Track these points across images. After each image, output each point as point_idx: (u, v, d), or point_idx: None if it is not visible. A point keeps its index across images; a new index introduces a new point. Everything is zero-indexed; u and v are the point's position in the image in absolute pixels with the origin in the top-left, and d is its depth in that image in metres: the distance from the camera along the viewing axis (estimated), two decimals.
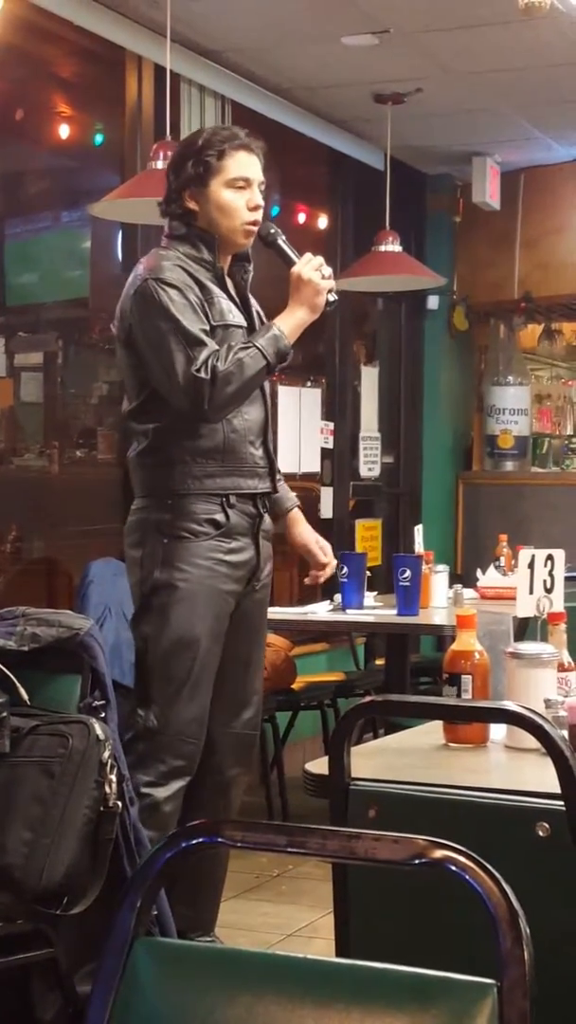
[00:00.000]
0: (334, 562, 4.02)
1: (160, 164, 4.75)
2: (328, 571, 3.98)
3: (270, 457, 3.67)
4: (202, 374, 3.41)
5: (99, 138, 6.16)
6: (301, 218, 7.32)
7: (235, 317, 3.60)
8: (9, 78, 5.59)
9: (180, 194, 3.62)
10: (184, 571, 3.55)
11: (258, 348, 3.47)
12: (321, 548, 3.94)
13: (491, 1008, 1.27)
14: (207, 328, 3.50)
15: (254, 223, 3.60)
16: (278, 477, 3.80)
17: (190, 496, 3.57)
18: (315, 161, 7.20)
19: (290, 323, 3.53)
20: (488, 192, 7.36)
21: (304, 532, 3.95)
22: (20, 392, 6.28)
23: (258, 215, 3.60)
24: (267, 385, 3.66)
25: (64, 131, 6.02)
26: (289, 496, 3.92)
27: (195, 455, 3.56)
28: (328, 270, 3.56)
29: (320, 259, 3.56)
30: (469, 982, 1.30)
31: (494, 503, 7.97)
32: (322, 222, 7.33)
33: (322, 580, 4.03)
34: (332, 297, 3.57)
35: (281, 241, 3.62)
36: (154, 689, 3.58)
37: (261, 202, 3.60)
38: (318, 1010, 1.34)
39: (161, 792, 3.51)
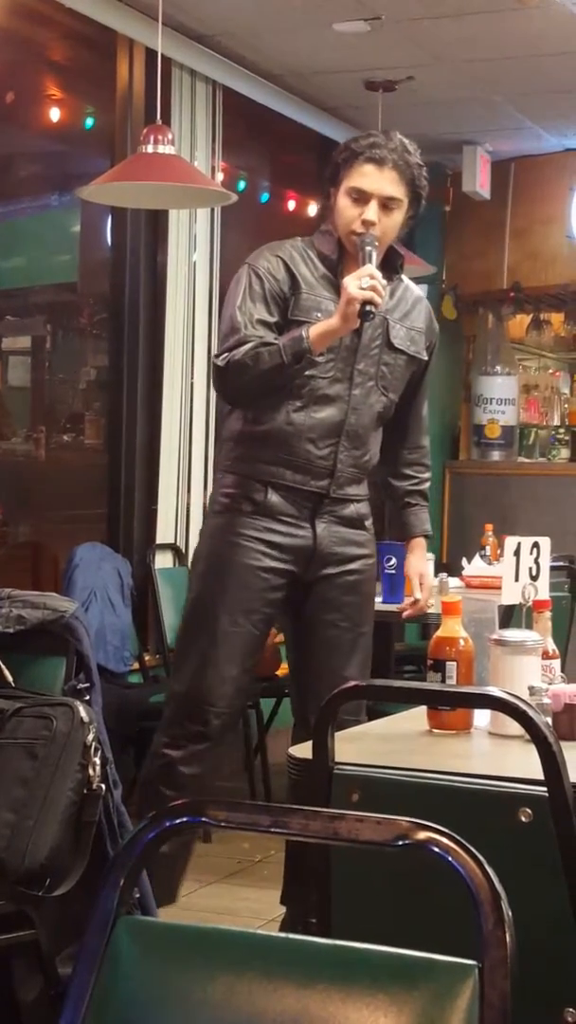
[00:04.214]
0: (429, 602, 4.02)
1: (150, 148, 4.74)
2: (417, 607, 4.00)
3: (336, 461, 3.68)
4: (219, 361, 3.58)
5: (90, 122, 6.15)
6: (291, 204, 7.31)
7: (324, 315, 3.57)
8: (0, 61, 5.58)
9: (328, 186, 3.70)
10: (212, 544, 3.71)
11: (279, 346, 3.52)
12: (420, 582, 3.98)
13: (472, 989, 1.27)
14: (268, 320, 3.59)
15: (360, 235, 3.58)
16: (415, 502, 4.01)
17: (233, 475, 3.71)
18: (305, 148, 7.19)
19: (320, 328, 3.52)
20: (478, 181, 7.36)
21: (412, 561, 4.04)
22: (7, 376, 6.28)
23: (369, 229, 3.57)
24: (360, 392, 3.67)
25: (55, 114, 6.00)
26: (415, 524, 4.04)
27: (247, 437, 3.69)
28: (369, 282, 3.44)
29: (368, 269, 3.48)
30: (451, 963, 1.30)
31: (480, 492, 7.98)
32: (311, 209, 7.32)
33: (407, 615, 4.08)
34: (368, 308, 3.45)
35: (363, 254, 3.54)
36: (178, 653, 3.76)
37: (374, 218, 3.57)
38: (299, 990, 1.34)
39: (176, 753, 3.63)
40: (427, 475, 4.08)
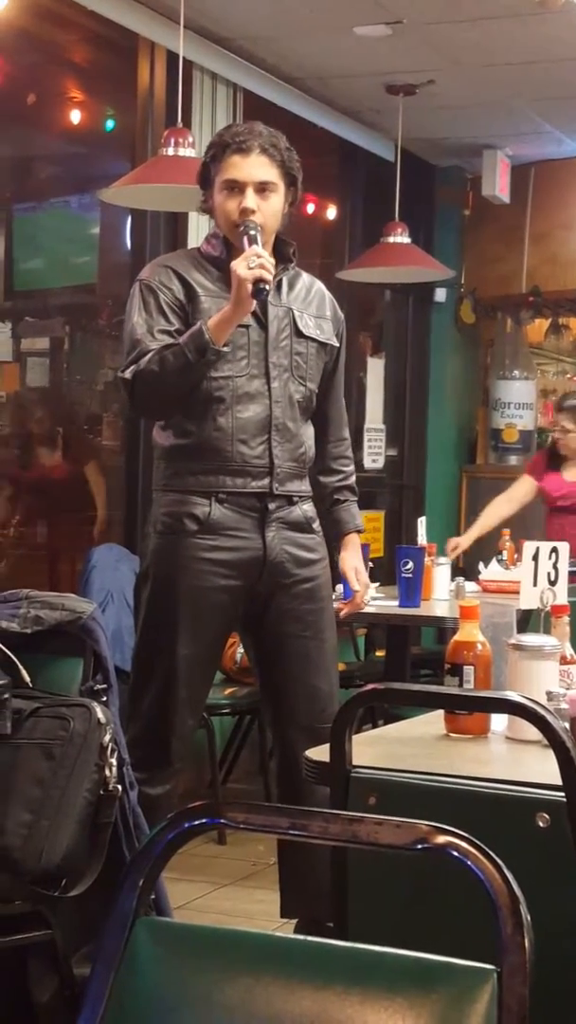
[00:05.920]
0: (366, 596, 3.99)
1: (171, 151, 4.76)
2: (354, 604, 3.95)
3: (272, 457, 3.62)
4: (126, 375, 3.53)
5: (110, 124, 6.16)
6: (310, 208, 7.31)
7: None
8: (22, 63, 5.59)
9: (204, 189, 3.67)
10: (158, 567, 3.62)
11: (181, 345, 3.47)
12: (356, 577, 3.90)
13: (491, 993, 1.27)
14: (169, 328, 3.54)
15: (240, 223, 3.54)
16: (344, 497, 3.89)
17: (171, 492, 3.63)
18: (326, 151, 7.19)
19: (217, 317, 3.47)
20: (498, 185, 7.35)
21: (346, 558, 3.92)
22: (26, 377, 6.29)
23: (250, 217, 3.52)
24: (278, 384, 3.63)
25: (76, 116, 6.02)
26: (347, 520, 3.92)
27: (178, 451, 3.62)
28: (257, 261, 3.41)
29: (253, 250, 3.44)
30: (469, 967, 1.30)
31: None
32: (331, 212, 7.32)
33: (344, 613, 4.01)
34: (261, 286, 3.41)
35: (247, 238, 3.49)
36: (135, 678, 3.66)
37: (252, 206, 3.53)
38: (317, 992, 1.34)
39: (141, 775, 3.50)
40: (352, 468, 3.97)
